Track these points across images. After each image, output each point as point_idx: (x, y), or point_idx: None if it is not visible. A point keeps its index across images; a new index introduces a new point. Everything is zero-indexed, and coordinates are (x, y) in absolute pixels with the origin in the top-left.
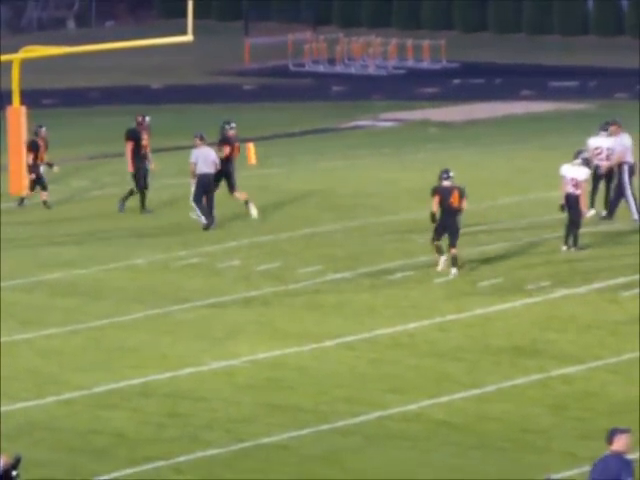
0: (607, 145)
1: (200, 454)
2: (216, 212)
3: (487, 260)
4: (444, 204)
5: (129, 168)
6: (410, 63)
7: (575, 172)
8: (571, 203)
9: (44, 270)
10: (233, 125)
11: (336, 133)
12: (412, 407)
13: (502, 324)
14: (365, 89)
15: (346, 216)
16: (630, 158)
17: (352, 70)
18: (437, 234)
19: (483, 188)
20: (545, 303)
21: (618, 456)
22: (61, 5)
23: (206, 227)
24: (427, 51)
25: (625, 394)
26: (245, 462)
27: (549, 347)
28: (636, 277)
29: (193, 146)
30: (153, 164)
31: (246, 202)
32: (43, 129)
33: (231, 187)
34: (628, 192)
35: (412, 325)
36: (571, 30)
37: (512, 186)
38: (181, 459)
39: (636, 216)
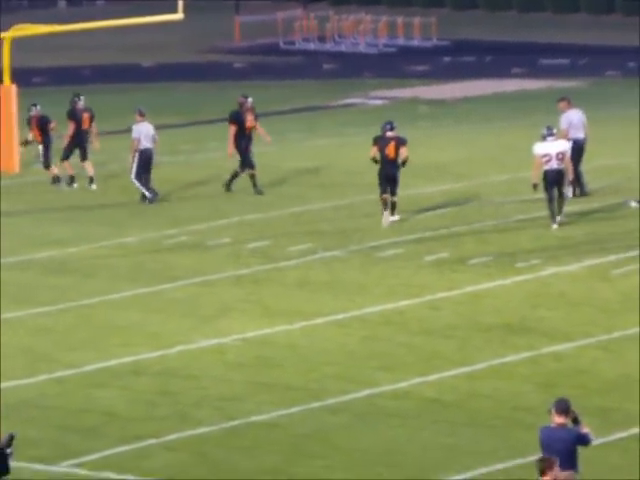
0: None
1: (190, 432)
2: (206, 189)
3: (477, 237)
4: (383, 154)
5: (229, 151)
6: (401, 41)
7: (556, 147)
8: (554, 179)
9: (36, 249)
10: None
11: (326, 111)
12: (402, 385)
13: (492, 301)
14: (356, 67)
15: (336, 194)
16: (578, 134)
17: (343, 48)
18: (382, 186)
19: (474, 165)
20: (535, 280)
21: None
22: None
23: (151, 200)
24: (418, 29)
25: (615, 372)
26: (235, 440)
27: (539, 324)
28: (626, 255)
29: (135, 122)
30: (268, 137)
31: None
32: (37, 107)
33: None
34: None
35: (402, 303)
36: (562, 8)
37: (503, 164)
38: (172, 437)
39: (570, 193)
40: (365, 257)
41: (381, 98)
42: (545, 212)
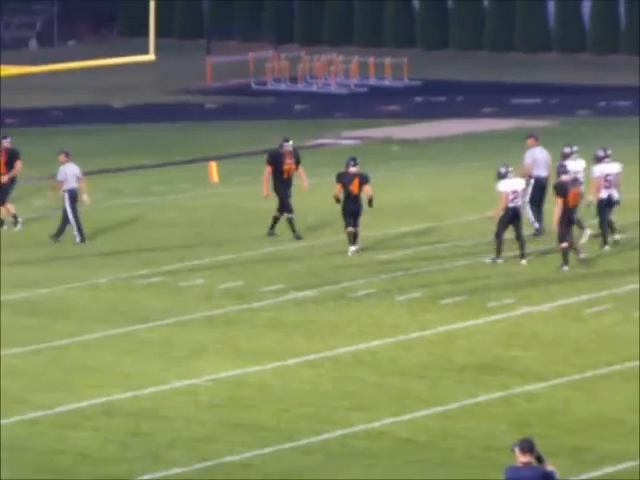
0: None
1: (164, 473)
2: (178, 230)
3: (449, 278)
4: (347, 190)
5: (264, 192)
6: (372, 81)
7: (514, 185)
8: (515, 215)
9: (7, 290)
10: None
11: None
12: (375, 425)
13: (465, 341)
14: (327, 107)
15: (308, 235)
16: (541, 172)
17: (314, 88)
18: (346, 221)
19: (446, 206)
20: (508, 320)
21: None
22: (23, 25)
23: (81, 241)
24: (389, 69)
25: (588, 411)
26: None
27: (512, 364)
28: (599, 295)
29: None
30: (306, 182)
31: None
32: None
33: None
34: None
35: (375, 343)
36: (533, 47)
37: (474, 203)
38: (145, 478)
39: (536, 225)
40: (337, 297)
41: (353, 138)
42: (517, 252)
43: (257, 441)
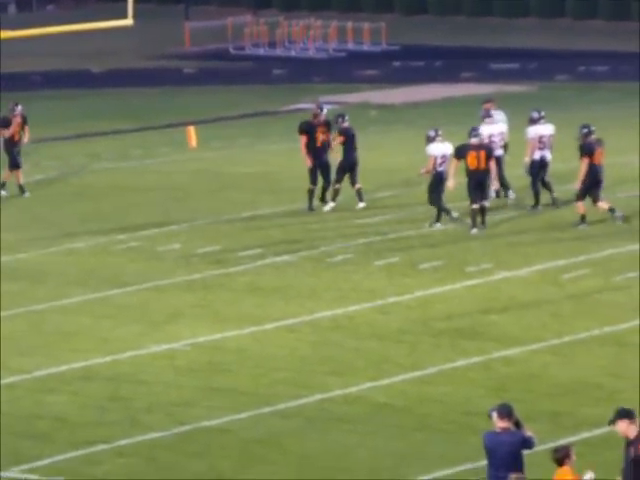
0: (498, 130)
1: (141, 437)
2: (156, 195)
3: (427, 242)
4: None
5: (307, 163)
6: (350, 46)
7: (443, 149)
8: (442, 180)
9: None
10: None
11: (276, 116)
12: (353, 390)
13: (443, 306)
14: (306, 72)
15: (286, 199)
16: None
17: (292, 53)
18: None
19: None
20: (486, 285)
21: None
22: None
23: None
24: (367, 34)
25: (566, 376)
26: (186, 445)
27: (490, 329)
28: (576, 259)
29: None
30: (335, 154)
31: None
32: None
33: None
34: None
35: (353, 308)
36: (511, 12)
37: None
38: (122, 442)
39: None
40: (315, 262)
41: (331, 103)
42: (496, 216)
43: (235, 406)
